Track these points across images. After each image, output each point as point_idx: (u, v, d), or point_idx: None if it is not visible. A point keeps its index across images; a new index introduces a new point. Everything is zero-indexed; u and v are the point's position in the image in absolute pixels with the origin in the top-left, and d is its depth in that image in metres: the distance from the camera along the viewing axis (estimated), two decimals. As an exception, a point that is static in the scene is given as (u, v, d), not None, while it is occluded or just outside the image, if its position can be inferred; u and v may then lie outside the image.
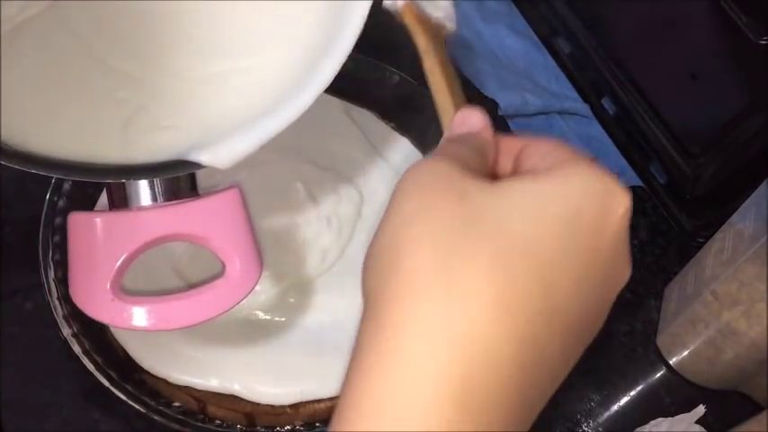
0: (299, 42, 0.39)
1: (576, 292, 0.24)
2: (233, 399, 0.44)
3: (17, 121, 0.34)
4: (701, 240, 0.57)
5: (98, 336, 0.45)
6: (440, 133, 0.56)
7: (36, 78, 0.37)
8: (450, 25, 0.42)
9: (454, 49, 0.65)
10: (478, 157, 0.28)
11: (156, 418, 0.42)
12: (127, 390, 0.42)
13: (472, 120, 0.31)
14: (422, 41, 0.38)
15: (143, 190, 0.37)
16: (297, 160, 0.51)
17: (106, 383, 0.42)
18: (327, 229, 0.48)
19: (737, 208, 0.48)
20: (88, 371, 0.43)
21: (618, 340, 0.54)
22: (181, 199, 0.38)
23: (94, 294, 0.36)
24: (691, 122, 0.55)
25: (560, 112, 0.64)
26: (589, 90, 0.64)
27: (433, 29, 0.40)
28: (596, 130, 0.64)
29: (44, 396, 0.47)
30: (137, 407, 0.42)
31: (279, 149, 0.52)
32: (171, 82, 0.38)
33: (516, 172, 0.28)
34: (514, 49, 0.67)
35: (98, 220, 0.37)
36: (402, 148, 0.55)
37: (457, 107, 0.34)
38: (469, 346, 0.22)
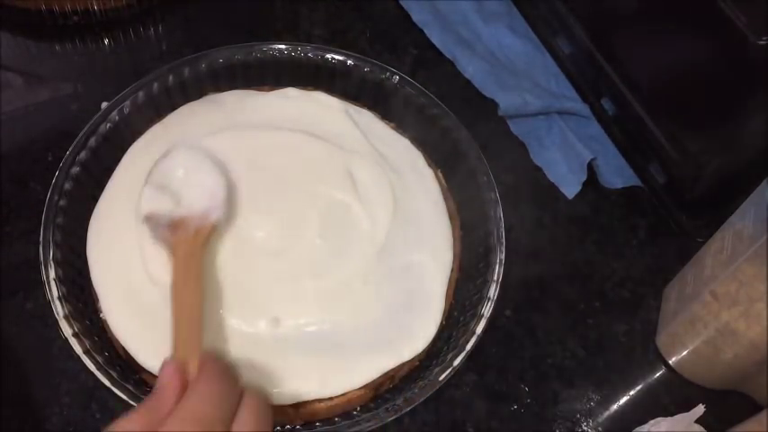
0: None
1: None
2: (233, 398, 0.44)
3: None
4: (700, 240, 0.57)
5: (99, 336, 0.45)
6: (440, 134, 0.56)
7: None
8: (217, 215, 0.44)
9: (454, 49, 0.65)
10: None
11: (156, 417, 0.42)
12: (127, 390, 0.42)
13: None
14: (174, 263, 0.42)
15: None
16: (297, 161, 0.51)
17: (107, 383, 0.42)
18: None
19: (737, 208, 0.48)
20: (89, 371, 0.43)
21: (618, 340, 0.54)
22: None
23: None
24: (690, 122, 0.55)
25: (560, 112, 0.63)
26: (589, 90, 0.64)
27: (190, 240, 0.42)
28: (596, 130, 0.64)
29: (44, 396, 0.47)
30: (137, 407, 0.42)
31: (280, 150, 0.52)
32: None
33: None
34: (514, 49, 0.67)
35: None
36: (402, 148, 0.55)
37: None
38: None
